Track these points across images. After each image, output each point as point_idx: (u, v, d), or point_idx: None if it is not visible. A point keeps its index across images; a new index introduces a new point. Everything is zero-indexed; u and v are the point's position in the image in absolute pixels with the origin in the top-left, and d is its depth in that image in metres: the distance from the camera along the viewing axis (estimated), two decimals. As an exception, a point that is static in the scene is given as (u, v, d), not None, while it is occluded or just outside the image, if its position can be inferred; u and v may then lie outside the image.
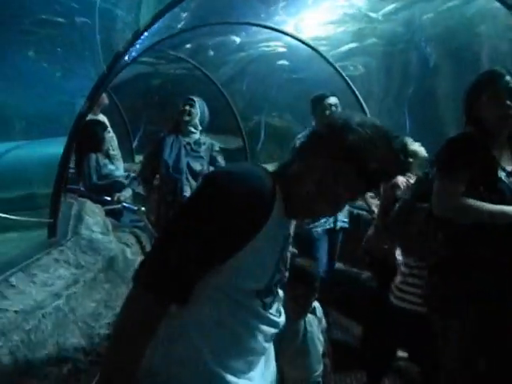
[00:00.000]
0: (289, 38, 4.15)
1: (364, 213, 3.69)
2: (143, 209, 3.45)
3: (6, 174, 2.99)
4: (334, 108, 3.08)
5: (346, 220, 3.31)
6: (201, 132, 3.40)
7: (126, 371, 0.88)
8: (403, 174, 2.53)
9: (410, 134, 3.43)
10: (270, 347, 1.13)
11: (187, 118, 3.28)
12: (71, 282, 1.77)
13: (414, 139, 2.74)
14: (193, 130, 3.33)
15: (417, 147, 2.67)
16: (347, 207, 3.19)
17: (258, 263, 0.94)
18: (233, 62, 5.51)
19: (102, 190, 3.28)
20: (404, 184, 2.48)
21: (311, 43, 3.90)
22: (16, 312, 1.37)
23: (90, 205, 2.98)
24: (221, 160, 3.37)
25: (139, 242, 2.97)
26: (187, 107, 3.28)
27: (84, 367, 1.42)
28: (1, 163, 3.10)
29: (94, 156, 3.35)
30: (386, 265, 2.43)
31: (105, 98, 4.11)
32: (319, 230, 3.16)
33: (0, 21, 3.01)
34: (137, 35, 2.30)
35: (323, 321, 2.03)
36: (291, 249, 1.12)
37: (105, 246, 2.30)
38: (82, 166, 3.32)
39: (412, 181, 2.46)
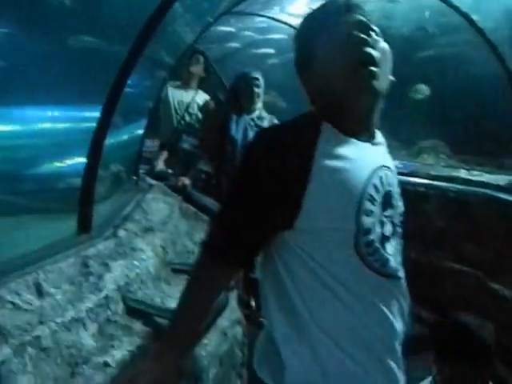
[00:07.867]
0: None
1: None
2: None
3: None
4: None
5: None
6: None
7: (180, 333, 0.93)
8: None
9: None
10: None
11: (258, 101, 3.05)
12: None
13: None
14: (257, 106, 3.09)
15: None
16: None
17: (331, 201, 0.84)
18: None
19: None
20: None
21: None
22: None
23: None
24: None
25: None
26: (256, 89, 2.98)
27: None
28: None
29: None
30: None
31: (201, 70, 3.74)
32: None
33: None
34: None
35: None
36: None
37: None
38: None
39: None
